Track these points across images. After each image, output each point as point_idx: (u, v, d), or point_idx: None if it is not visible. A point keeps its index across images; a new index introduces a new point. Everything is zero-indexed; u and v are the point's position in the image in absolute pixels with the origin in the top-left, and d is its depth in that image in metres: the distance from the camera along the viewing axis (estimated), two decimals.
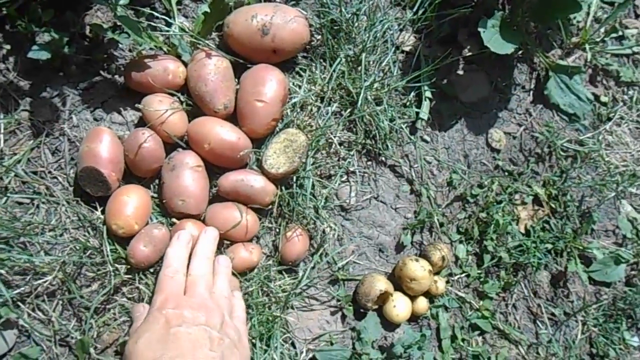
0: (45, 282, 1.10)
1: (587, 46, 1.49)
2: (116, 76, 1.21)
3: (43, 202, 1.14)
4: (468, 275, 1.38)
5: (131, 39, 1.15)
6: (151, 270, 1.16)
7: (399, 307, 1.27)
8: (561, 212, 1.44)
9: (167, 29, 1.21)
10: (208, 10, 1.18)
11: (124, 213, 1.11)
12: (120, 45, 1.22)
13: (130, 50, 1.22)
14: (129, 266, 1.14)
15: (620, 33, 1.54)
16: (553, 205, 1.44)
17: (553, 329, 1.41)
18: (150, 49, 1.21)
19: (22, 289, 1.09)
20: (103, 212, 1.15)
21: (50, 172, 1.16)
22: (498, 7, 1.40)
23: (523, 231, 1.42)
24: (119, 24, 1.17)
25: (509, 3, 1.42)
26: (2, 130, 1.14)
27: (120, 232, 1.12)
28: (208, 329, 0.93)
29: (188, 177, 1.14)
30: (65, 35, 1.14)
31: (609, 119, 1.52)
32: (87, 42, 1.20)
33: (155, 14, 1.21)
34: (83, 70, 1.20)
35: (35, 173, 1.15)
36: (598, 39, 1.52)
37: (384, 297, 1.28)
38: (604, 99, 1.52)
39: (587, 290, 1.45)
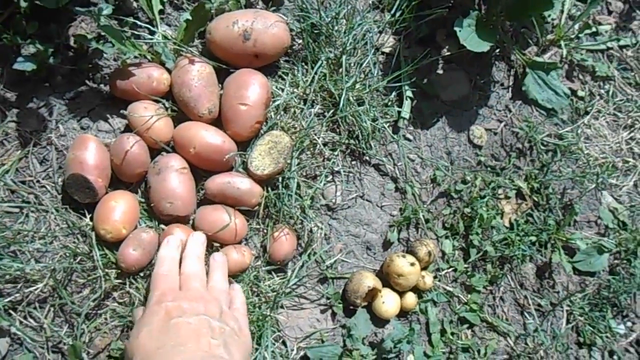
0: (36, 289, 1.11)
1: (562, 43, 1.53)
2: (101, 85, 1.24)
3: (32, 211, 1.15)
4: (455, 270, 1.40)
5: (115, 48, 1.18)
6: (141, 274, 1.18)
7: (388, 303, 1.29)
8: (544, 204, 1.47)
9: (150, 37, 1.23)
10: (190, 18, 1.20)
11: (112, 218, 1.13)
12: (104, 55, 1.24)
13: (114, 60, 1.25)
14: (119, 271, 1.15)
15: (594, 29, 1.58)
16: (536, 199, 1.47)
17: (540, 320, 1.43)
18: (135, 57, 1.23)
19: (14, 297, 1.10)
20: (92, 218, 1.16)
21: (38, 181, 1.18)
22: (474, 7, 1.44)
23: (507, 225, 1.45)
24: (103, 34, 1.19)
25: (484, 3, 1.46)
26: None
27: (108, 237, 1.14)
28: (208, 318, 0.94)
29: (174, 179, 1.16)
30: (50, 46, 1.16)
31: (587, 113, 1.55)
32: (72, 52, 1.23)
33: (139, 22, 1.24)
34: (69, 80, 1.22)
35: (23, 182, 1.17)
36: (573, 36, 1.56)
37: (372, 294, 1.30)
38: (581, 93, 1.56)
39: (572, 280, 1.47)
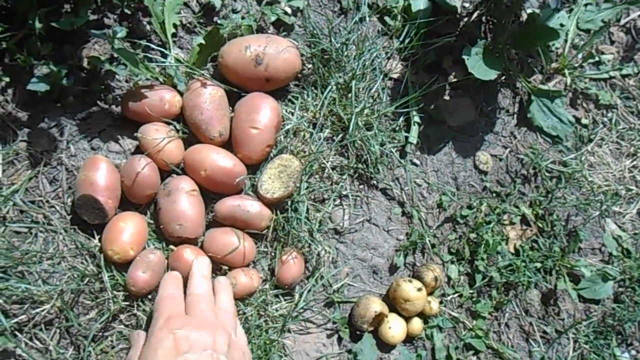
0: (43, 310, 1.10)
1: (566, 71, 1.55)
2: (113, 106, 1.24)
3: (41, 231, 1.15)
4: (461, 295, 1.40)
5: (128, 70, 1.19)
6: (149, 297, 1.17)
7: (394, 328, 1.29)
8: (548, 231, 1.48)
9: (163, 60, 1.25)
10: (203, 42, 1.22)
11: (120, 239, 1.13)
12: (117, 76, 1.25)
13: (126, 81, 1.26)
14: (126, 293, 1.15)
15: (597, 58, 1.61)
16: (540, 225, 1.48)
17: (546, 347, 1.43)
18: (147, 79, 1.24)
19: (20, 318, 1.09)
20: (100, 239, 1.16)
21: (48, 201, 1.17)
22: (481, 36, 1.46)
23: (512, 251, 1.46)
24: (116, 56, 1.20)
25: (490, 32, 1.49)
26: (0, 161, 1.16)
27: (115, 258, 1.13)
28: (215, 354, 0.93)
29: (184, 201, 1.16)
30: (63, 67, 1.17)
31: (590, 140, 1.57)
32: (84, 73, 1.23)
33: (152, 45, 1.25)
34: (80, 101, 1.23)
35: (33, 202, 1.16)
36: (576, 64, 1.59)
37: (379, 319, 1.30)
38: (584, 121, 1.58)
39: (577, 308, 1.48)
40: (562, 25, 1.44)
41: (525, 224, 1.49)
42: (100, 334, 1.14)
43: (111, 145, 1.23)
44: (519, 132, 1.52)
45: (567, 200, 1.50)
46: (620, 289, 1.51)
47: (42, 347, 1.11)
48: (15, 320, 1.08)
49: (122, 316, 1.16)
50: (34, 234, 1.14)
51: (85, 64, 1.23)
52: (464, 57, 1.33)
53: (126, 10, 1.26)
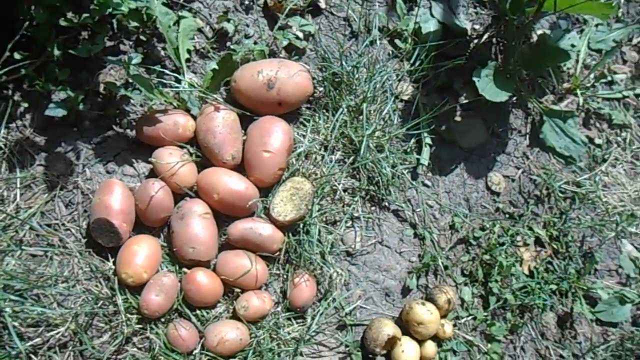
0: (57, 333, 1.11)
1: (578, 91, 1.55)
2: (128, 130, 1.27)
3: (56, 254, 1.16)
4: (475, 318, 1.38)
5: (143, 95, 1.21)
6: (162, 319, 1.18)
7: (408, 351, 1.28)
8: (563, 252, 1.47)
9: (177, 85, 1.27)
10: (216, 67, 1.24)
11: (134, 262, 1.14)
12: (132, 101, 1.28)
13: (141, 106, 1.28)
14: (139, 316, 1.15)
15: (609, 78, 1.61)
16: (555, 246, 1.46)
17: None
18: (161, 104, 1.26)
19: (35, 340, 1.10)
20: (115, 262, 1.17)
21: (63, 224, 1.19)
22: (491, 57, 1.47)
23: (527, 272, 1.44)
24: (131, 81, 1.23)
25: (501, 53, 1.49)
26: (18, 185, 1.18)
27: (129, 281, 1.14)
28: None
29: (197, 224, 1.17)
30: (80, 93, 1.20)
31: (604, 161, 1.56)
32: (100, 98, 1.26)
33: (166, 71, 1.27)
34: (96, 126, 1.25)
35: (49, 226, 1.18)
36: (588, 84, 1.58)
37: (392, 342, 1.28)
38: (598, 141, 1.57)
39: (594, 331, 1.45)
40: (573, 45, 1.44)
41: (539, 245, 1.47)
42: (114, 356, 1.15)
43: (126, 169, 1.25)
44: (531, 153, 1.51)
45: (581, 221, 1.48)
46: (639, 312, 1.48)
47: None
48: (30, 343, 1.10)
49: (135, 339, 1.16)
50: (49, 257, 1.16)
51: (101, 89, 1.26)
52: (475, 79, 1.33)
53: (141, 37, 1.29)
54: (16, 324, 1.09)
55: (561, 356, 1.41)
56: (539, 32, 1.52)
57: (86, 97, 1.23)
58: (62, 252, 1.17)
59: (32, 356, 1.10)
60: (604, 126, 1.59)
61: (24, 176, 1.18)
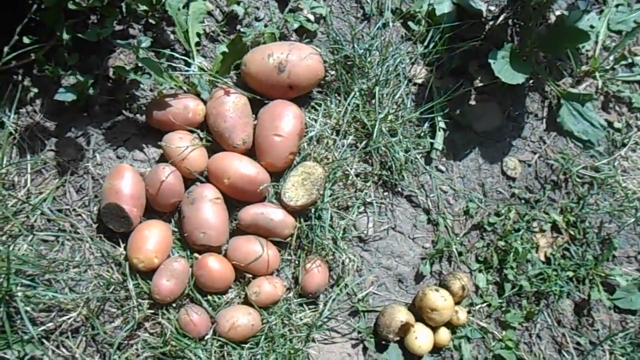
0: (69, 318, 1.11)
1: (597, 74, 1.51)
2: (138, 115, 1.26)
3: (68, 239, 1.16)
4: (489, 305, 1.36)
5: (152, 79, 1.20)
6: (173, 305, 1.17)
7: (421, 338, 1.26)
8: (581, 239, 1.43)
9: (186, 69, 1.25)
10: (226, 50, 1.22)
11: (145, 247, 1.13)
12: (141, 86, 1.26)
13: (151, 90, 1.27)
14: (151, 301, 1.15)
15: (629, 60, 1.56)
16: (572, 232, 1.43)
17: (579, 359, 1.38)
18: (171, 88, 1.25)
19: (47, 325, 1.10)
20: (126, 248, 1.17)
21: (74, 209, 1.19)
22: (507, 39, 1.43)
23: (543, 259, 1.41)
24: (140, 65, 1.22)
25: (517, 35, 1.46)
26: (29, 170, 1.18)
27: (140, 266, 1.14)
28: None
29: (208, 209, 1.16)
30: (90, 77, 1.19)
31: (624, 145, 1.52)
32: (110, 83, 1.25)
33: (175, 54, 1.26)
34: (106, 110, 1.24)
35: (60, 211, 1.18)
36: (608, 67, 1.54)
37: (405, 329, 1.27)
38: (617, 125, 1.53)
39: (612, 318, 1.42)
40: (592, 26, 1.40)
41: (556, 231, 1.44)
42: (126, 342, 1.15)
43: (136, 154, 1.24)
44: (548, 137, 1.48)
45: (599, 207, 1.45)
46: None
47: (69, 355, 1.12)
48: (42, 328, 1.10)
49: (146, 324, 1.16)
50: (60, 242, 1.16)
51: (110, 73, 1.25)
52: (490, 61, 1.30)
53: (151, 21, 1.27)
54: (28, 308, 1.09)
55: (578, 344, 1.39)
56: (557, 12, 1.48)
57: (96, 81, 1.22)
58: (73, 237, 1.16)
59: (45, 341, 1.10)
60: (624, 110, 1.55)
61: (35, 161, 1.18)
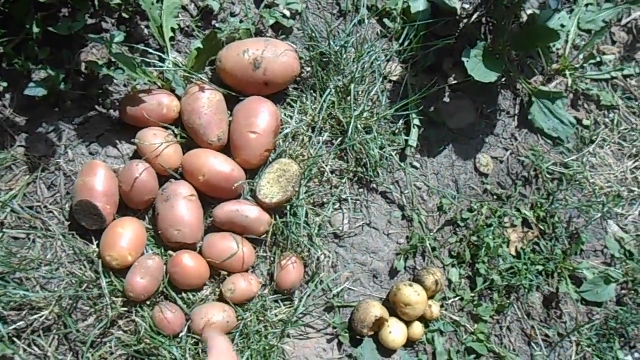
0: (41, 317, 1.10)
1: (567, 72, 1.54)
2: (111, 111, 1.24)
3: (39, 237, 1.14)
4: (462, 299, 1.39)
5: (126, 75, 1.18)
6: (147, 303, 1.17)
7: (395, 332, 1.28)
8: (550, 233, 1.47)
9: (161, 64, 1.24)
10: (201, 46, 1.21)
11: (119, 245, 1.12)
12: (115, 81, 1.25)
13: (125, 86, 1.25)
14: (125, 299, 1.14)
15: (598, 59, 1.60)
16: (542, 227, 1.47)
17: (548, 351, 1.42)
18: (145, 84, 1.23)
19: (18, 324, 1.09)
20: (99, 245, 1.16)
21: (46, 206, 1.17)
22: (481, 38, 1.45)
23: (514, 253, 1.45)
24: (114, 60, 1.20)
25: (491, 33, 1.48)
26: None
27: (114, 264, 1.13)
28: None
29: (182, 207, 1.16)
30: (61, 72, 1.16)
31: (592, 142, 1.56)
32: (82, 78, 1.23)
33: (150, 50, 1.24)
34: (78, 106, 1.22)
35: (31, 208, 1.16)
36: (577, 65, 1.57)
37: (379, 323, 1.29)
38: (586, 122, 1.56)
39: (579, 311, 1.47)
40: (562, 26, 1.43)
41: (526, 226, 1.47)
42: (99, 340, 1.14)
43: (109, 150, 1.23)
44: (520, 134, 1.51)
45: (568, 203, 1.49)
46: (623, 292, 1.50)
47: (41, 354, 1.10)
48: (14, 326, 1.08)
49: (120, 322, 1.15)
50: (32, 240, 1.14)
51: (83, 68, 1.23)
52: (464, 59, 1.32)
53: (124, 15, 1.25)
54: None
55: (547, 335, 1.43)
56: (529, 11, 1.51)
57: (67, 76, 1.20)
58: (45, 235, 1.15)
59: (16, 340, 1.09)
60: (592, 107, 1.59)
61: (5, 157, 1.15)
